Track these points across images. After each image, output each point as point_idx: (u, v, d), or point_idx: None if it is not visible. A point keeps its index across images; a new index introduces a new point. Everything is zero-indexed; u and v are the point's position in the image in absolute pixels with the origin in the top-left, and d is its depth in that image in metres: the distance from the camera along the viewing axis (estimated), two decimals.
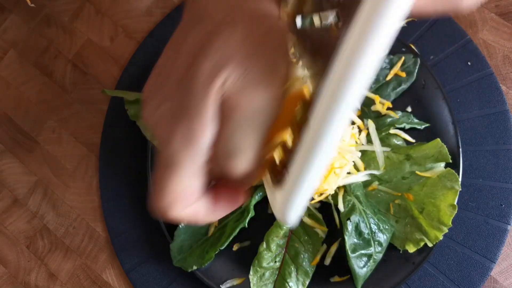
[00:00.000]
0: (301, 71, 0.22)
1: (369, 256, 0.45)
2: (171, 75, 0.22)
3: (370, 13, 0.15)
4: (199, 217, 0.24)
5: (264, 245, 0.47)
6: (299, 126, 0.21)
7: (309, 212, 0.48)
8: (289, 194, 0.21)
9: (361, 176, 0.47)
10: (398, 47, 0.50)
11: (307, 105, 0.20)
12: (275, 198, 0.23)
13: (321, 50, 0.20)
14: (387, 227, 0.46)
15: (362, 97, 0.17)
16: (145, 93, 0.23)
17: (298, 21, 0.23)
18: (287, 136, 0.22)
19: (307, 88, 0.21)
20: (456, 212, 0.43)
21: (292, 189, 0.20)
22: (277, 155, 0.24)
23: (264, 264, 0.47)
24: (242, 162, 0.22)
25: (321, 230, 0.48)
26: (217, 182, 0.25)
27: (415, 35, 0.52)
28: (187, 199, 0.22)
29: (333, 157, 0.45)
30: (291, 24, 0.23)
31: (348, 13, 0.17)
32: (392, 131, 0.48)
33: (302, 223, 0.48)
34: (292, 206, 0.21)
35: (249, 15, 0.21)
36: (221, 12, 0.21)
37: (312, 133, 0.19)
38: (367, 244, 0.45)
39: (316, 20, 0.21)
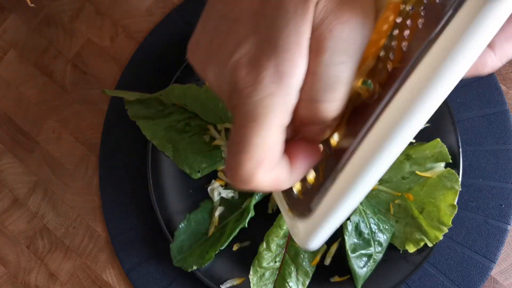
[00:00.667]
0: None
1: (369, 256, 0.45)
2: (241, 11, 0.18)
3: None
4: (282, 181, 0.21)
5: (264, 245, 0.47)
6: (326, 167, 0.22)
7: None
8: (315, 227, 0.21)
9: None
10: None
11: (337, 150, 0.21)
12: (297, 227, 0.23)
13: None
14: (387, 227, 0.46)
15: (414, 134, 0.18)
16: (199, 55, 0.20)
17: None
18: (311, 176, 0.23)
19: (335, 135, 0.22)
20: (456, 212, 0.43)
21: (318, 224, 0.21)
22: (296, 187, 0.24)
23: (264, 264, 0.47)
24: (340, 94, 0.19)
25: None
26: (290, 138, 0.22)
27: None
28: (274, 159, 0.20)
29: None
30: None
31: (387, 82, 0.19)
32: None
33: None
34: (317, 237, 0.22)
35: None
36: None
37: (345, 182, 0.20)
38: (367, 244, 0.45)
39: None
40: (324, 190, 0.21)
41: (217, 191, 0.50)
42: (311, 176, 0.23)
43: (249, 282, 0.47)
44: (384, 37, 0.21)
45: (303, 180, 0.23)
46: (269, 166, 0.20)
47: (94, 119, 0.56)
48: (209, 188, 0.51)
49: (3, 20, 0.59)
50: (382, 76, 0.20)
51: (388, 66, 0.19)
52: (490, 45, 0.20)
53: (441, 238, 0.43)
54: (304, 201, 0.23)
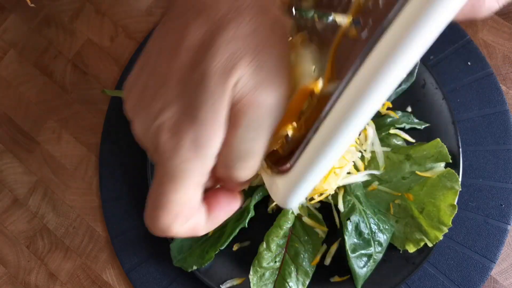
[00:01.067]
0: (307, 65, 0.22)
1: (369, 256, 0.45)
2: (168, 76, 0.20)
3: (409, 24, 0.15)
4: (199, 229, 0.23)
5: (264, 245, 0.47)
6: (308, 119, 0.20)
7: (309, 212, 0.48)
8: (295, 182, 0.21)
9: (361, 176, 0.47)
10: None
11: (321, 99, 0.20)
12: (276, 184, 0.22)
13: (332, 44, 0.20)
14: (387, 227, 0.46)
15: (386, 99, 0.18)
16: (131, 101, 0.21)
17: (297, 13, 0.23)
18: (289, 129, 0.22)
19: (316, 84, 0.21)
20: (456, 212, 0.43)
21: (298, 178, 0.20)
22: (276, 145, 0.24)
23: (264, 264, 0.47)
24: (252, 164, 0.21)
25: (321, 230, 0.48)
26: (210, 188, 0.24)
27: None
28: (190, 212, 0.21)
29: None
30: (289, 13, 0.23)
31: (374, 19, 0.17)
32: (392, 131, 0.48)
33: (302, 223, 0.48)
34: (297, 194, 0.21)
35: (255, 5, 0.19)
36: (225, 2, 0.19)
37: (328, 128, 0.18)
38: (367, 244, 0.45)
39: (321, 17, 0.21)
40: (305, 143, 0.20)
41: None
42: (291, 128, 0.22)
43: (249, 282, 0.47)
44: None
45: (283, 135, 0.23)
46: (185, 218, 0.21)
47: (94, 119, 0.56)
48: None
49: (3, 20, 0.59)
50: (372, 14, 0.18)
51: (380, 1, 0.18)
52: None
53: (441, 238, 0.43)
54: (284, 157, 0.22)
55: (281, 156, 0.22)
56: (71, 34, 0.58)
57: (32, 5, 0.59)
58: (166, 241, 0.49)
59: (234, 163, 0.21)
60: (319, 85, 0.21)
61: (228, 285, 0.48)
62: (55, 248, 0.54)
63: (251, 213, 0.47)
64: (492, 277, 0.48)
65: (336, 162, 0.19)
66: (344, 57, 0.19)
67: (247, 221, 0.47)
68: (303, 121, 0.21)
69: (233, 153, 0.20)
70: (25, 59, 0.58)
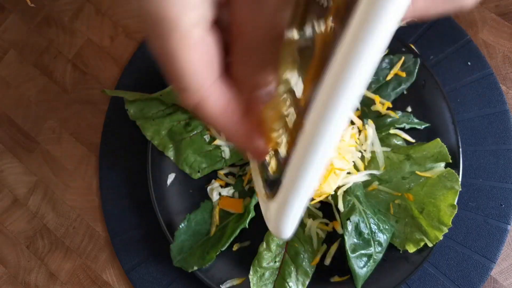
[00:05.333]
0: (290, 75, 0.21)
1: (369, 256, 0.45)
2: None
3: (367, 14, 0.15)
4: (231, 106, 0.19)
5: (264, 245, 0.47)
6: (293, 134, 0.19)
7: (309, 212, 0.48)
8: (283, 204, 0.19)
9: (361, 176, 0.47)
10: (398, 47, 0.50)
11: (302, 110, 0.18)
12: (269, 210, 0.21)
13: (309, 54, 0.19)
14: (387, 227, 0.46)
15: (359, 98, 0.16)
16: None
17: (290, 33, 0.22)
18: (282, 147, 0.21)
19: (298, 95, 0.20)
20: (456, 212, 0.43)
21: (286, 198, 0.19)
22: (271, 166, 0.22)
23: (264, 264, 0.47)
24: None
25: (321, 230, 0.48)
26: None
27: (415, 35, 0.52)
28: (205, 78, 0.18)
29: (331, 160, 0.45)
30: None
31: (342, 17, 0.16)
32: (392, 131, 0.48)
33: (302, 223, 0.48)
34: (287, 217, 0.19)
35: None
36: None
37: (306, 138, 0.17)
38: (367, 244, 0.45)
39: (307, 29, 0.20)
40: (289, 161, 0.18)
41: (217, 191, 0.50)
42: (284, 143, 0.20)
43: (249, 282, 0.47)
44: None
45: (276, 153, 0.21)
46: (203, 90, 0.18)
47: (94, 119, 0.56)
48: (208, 188, 0.51)
49: (3, 20, 0.59)
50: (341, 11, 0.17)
51: None
52: None
53: (441, 238, 0.43)
54: (278, 177, 0.20)
55: (276, 177, 0.21)
56: (71, 34, 0.58)
57: (32, 5, 0.59)
58: (166, 241, 0.49)
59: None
60: (301, 97, 0.19)
61: (228, 285, 0.48)
62: (55, 248, 0.54)
63: (252, 213, 0.47)
64: (492, 277, 0.48)
65: (322, 174, 0.18)
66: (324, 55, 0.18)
67: (247, 221, 0.47)
68: (291, 141, 0.19)
69: None
70: (25, 59, 0.58)
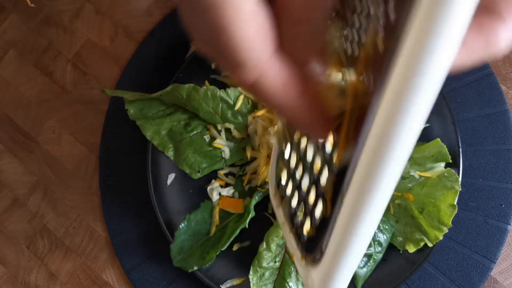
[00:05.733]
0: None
1: (369, 256, 0.45)
2: None
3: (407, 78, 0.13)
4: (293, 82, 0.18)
5: (264, 245, 0.47)
6: (329, 191, 0.18)
7: None
8: (329, 276, 0.17)
9: None
10: None
11: (334, 172, 0.17)
12: (311, 278, 0.19)
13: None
14: (387, 227, 0.46)
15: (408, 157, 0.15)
16: None
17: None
18: (318, 209, 0.19)
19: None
20: (456, 212, 0.43)
21: (332, 270, 0.17)
22: (306, 228, 0.21)
23: (264, 264, 0.47)
24: None
25: None
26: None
27: None
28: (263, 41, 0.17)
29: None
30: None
31: (375, 68, 0.15)
32: None
33: None
34: (335, 285, 0.18)
35: None
36: None
37: (351, 203, 0.16)
38: None
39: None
40: (332, 223, 0.17)
41: (217, 191, 0.50)
42: (320, 205, 0.19)
43: (249, 282, 0.47)
44: None
45: (312, 214, 0.20)
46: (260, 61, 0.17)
47: (94, 119, 0.56)
48: (208, 188, 0.51)
49: (3, 20, 0.59)
50: (373, 63, 0.16)
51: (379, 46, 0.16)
52: (493, 10, 0.17)
53: (441, 238, 0.43)
54: (317, 240, 0.19)
55: (314, 239, 0.19)
56: (71, 34, 0.58)
57: (32, 5, 0.59)
58: (166, 241, 0.49)
59: None
60: (335, 153, 0.18)
61: (228, 285, 0.48)
62: (55, 248, 0.54)
63: (252, 213, 0.47)
64: (492, 277, 0.48)
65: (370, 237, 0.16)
66: (358, 118, 0.16)
67: (247, 221, 0.47)
68: (328, 196, 0.18)
69: None
70: (25, 59, 0.58)
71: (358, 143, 0.15)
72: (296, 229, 0.21)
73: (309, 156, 0.21)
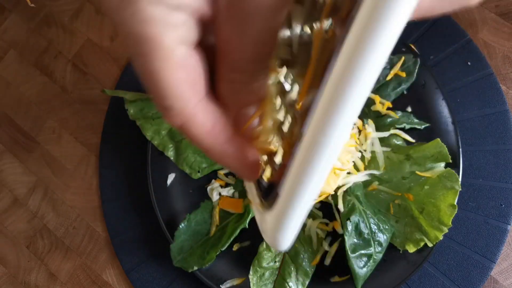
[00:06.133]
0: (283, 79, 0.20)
1: (369, 256, 0.45)
2: None
3: (371, 15, 0.14)
4: (219, 127, 0.19)
5: (264, 245, 0.47)
6: (291, 140, 0.18)
7: (309, 212, 0.48)
8: (281, 216, 0.18)
9: (361, 176, 0.47)
10: (398, 47, 0.50)
11: (299, 115, 0.18)
12: (265, 221, 0.20)
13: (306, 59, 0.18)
14: (387, 227, 0.46)
15: (364, 103, 0.15)
16: None
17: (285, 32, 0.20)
18: (278, 154, 0.20)
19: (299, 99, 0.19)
20: (456, 212, 0.43)
21: (284, 210, 0.18)
22: (265, 174, 0.21)
23: (264, 264, 0.47)
24: None
25: (321, 230, 0.48)
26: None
27: (415, 35, 0.52)
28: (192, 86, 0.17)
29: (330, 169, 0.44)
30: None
31: (342, 17, 0.15)
32: (392, 131, 0.48)
33: None
34: (285, 230, 0.18)
35: None
36: None
37: (307, 147, 0.16)
38: (367, 244, 0.45)
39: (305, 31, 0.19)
40: (289, 167, 0.17)
41: (217, 191, 0.50)
42: (279, 150, 0.19)
43: (249, 282, 0.47)
44: None
45: (271, 160, 0.20)
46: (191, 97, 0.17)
47: (94, 119, 0.56)
48: (208, 188, 0.51)
49: (3, 20, 0.59)
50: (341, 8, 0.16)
51: None
52: None
53: (441, 238, 0.43)
54: (274, 186, 0.19)
55: (272, 185, 0.20)
56: (71, 34, 0.58)
57: (32, 5, 0.59)
58: (166, 241, 0.49)
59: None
60: (300, 105, 0.18)
61: (228, 285, 0.48)
62: (55, 248, 0.54)
63: (252, 213, 0.47)
64: (492, 277, 0.48)
65: (326, 178, 0.17)
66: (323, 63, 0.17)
67: (247, 221, 0.47)
68: (288, 148, 0.19)
69: None
70: (25, 59, 0.58)
71: (321, 85, 0.15)
72: (259, 178, 0.22)
73: (277, 104, 0.21)
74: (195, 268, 0.47)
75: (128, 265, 0.51)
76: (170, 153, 0.51)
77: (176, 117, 0.18)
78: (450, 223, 0.43)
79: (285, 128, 0.19)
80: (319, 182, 0.16)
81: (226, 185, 0.51)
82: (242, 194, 0.50)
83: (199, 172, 0.51)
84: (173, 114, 0.18)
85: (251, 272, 0.47)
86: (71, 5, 0.59)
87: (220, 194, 0.50)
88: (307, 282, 0.47)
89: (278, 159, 0.20)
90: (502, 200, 0.48)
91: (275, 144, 0.20)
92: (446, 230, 0.43)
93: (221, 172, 0.51)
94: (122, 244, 0.52)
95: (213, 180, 0.51)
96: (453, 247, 0.48)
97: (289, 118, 0.19)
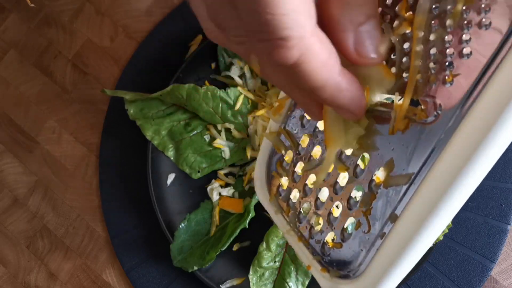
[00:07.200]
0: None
1: None
2: None
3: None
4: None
5: (264, 245, 0.47)
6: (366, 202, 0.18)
7: None
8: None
9: None
10: None
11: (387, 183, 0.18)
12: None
13: None
14: None
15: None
16: None
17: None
18: (347, 223, 0.20)
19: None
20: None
21: (375, 284, 0.18)
22: (330, 243, 0.21)
23: (264, 264, 0.47)
24: None
25: None
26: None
27: None
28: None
29: None
30: None
31: (445, 103, 0.15)
32: None
33: None
34: None
35: None
36: None
37: (407, 227, 0.17)
38: None
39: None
40: (374, 240, 0.17)
41: (217, 191, 0.50)
42: (352, 219, 0.19)
43: (249, 282, 0.47)
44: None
45: (338, 227, 0.20)
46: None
47: (94, 119, 0.56)
48: (208, 188, 0.51)
49: (3, 20, 0.59)
50: (440, 95, 0.16)
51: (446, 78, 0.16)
52: None
53: (441, 238, 0.43)
54: (343, 253, 0.19)
55: (339, 252, 0.20)
56: (71, 34, 0.58)
57: (32, 5, 0.59)
58: (166, 241, 0.49)
59: None
60: (379, 175, 0.18)
61: (228, 285, 0.48)
62: (55, 248, 0.54)
63: (252, 213, 0.47)
64: (492, 277, 0.48)
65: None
66: (407, 142, 0.16)
67: (247, 221, 0.47)
68: (363, 211, 0.19)
69: None
70: (25, 59, 0.58)
71: (415, 173, 0.16)
72: (308, 239, 0.22)
73: (328, 168, 0.21)
74: (195, 268, 0.47)
75: (128, 265, 0.51)
76: (170, 153, 0.51)
77: (295, 47, 0.16)
78: (450, 223, 0.43)
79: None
80: (421, 253, 0.17)
81: (226, 185, 0.51)
82: (242, 194, 0.50)
83: (199, 172, 0.51)
84: (291, 44, 0.16)
85: (251, 272, 0.47)
86: (71, 5, 0.59)
87: (220, 194, 0.50)
88: (307, 282, 0.47)
89: (349, 226, 0.20)
90: (502, 200, 0.48)
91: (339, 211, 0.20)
92: (446, 230, 0.43)
93: (221, 172, 0.51)
94: (122, 244, 0.52)
95: (213, 180, 0.51)
96: (453, 247, 0.48)
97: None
